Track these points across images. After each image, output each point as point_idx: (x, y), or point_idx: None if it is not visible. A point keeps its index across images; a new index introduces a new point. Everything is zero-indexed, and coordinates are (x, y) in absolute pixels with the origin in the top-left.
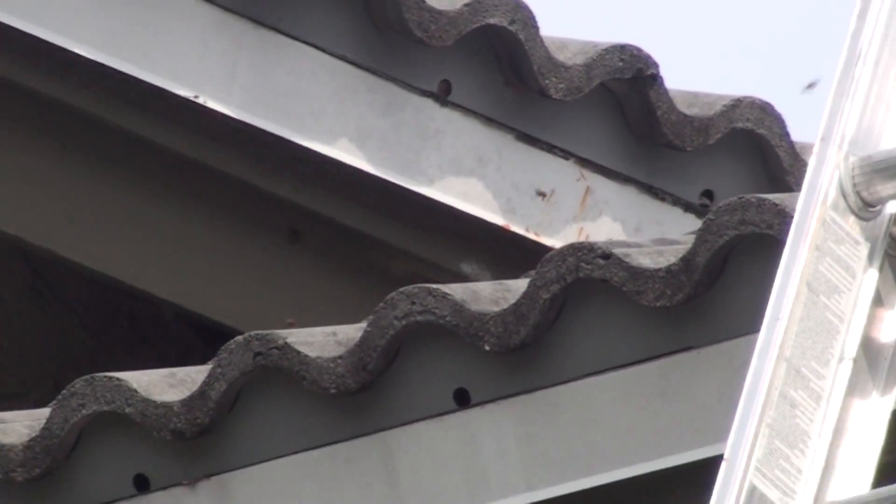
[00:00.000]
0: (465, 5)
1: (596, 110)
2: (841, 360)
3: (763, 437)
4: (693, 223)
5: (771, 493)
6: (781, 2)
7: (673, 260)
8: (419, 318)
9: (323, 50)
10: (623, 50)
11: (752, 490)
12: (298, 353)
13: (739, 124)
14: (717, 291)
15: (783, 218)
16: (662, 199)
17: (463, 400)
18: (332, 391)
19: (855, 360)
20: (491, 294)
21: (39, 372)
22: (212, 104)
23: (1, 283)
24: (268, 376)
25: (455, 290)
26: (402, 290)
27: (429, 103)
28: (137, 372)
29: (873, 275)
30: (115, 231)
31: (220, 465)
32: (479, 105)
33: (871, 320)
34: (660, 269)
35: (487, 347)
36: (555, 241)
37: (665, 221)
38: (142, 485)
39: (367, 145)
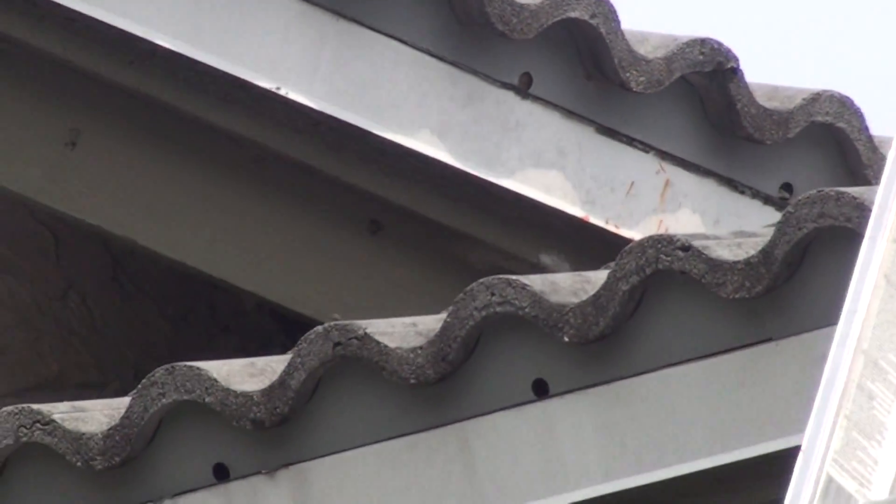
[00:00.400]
0: None
1: (676, 103)
2: None
3: (840, 429)
4: (772, 216)
5: (848, 483)
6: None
7: (752, 252)
8: (499, 309)
9: (405, 42)
10: (703, 44)
11: (830, 481)
12: (378, 343)
13: (819, 118)
14: (796, 284)
15: (862, 211)
16: (742, 192)
17: (541, 391)
18: (412, 381)
19: None
20: (570, 285)
21: (120, 361)
22: (294, 96)
23: (82, 272)
24: (347, 366)
25: (534, 281)
26: (481, 281)
27: (510, 96)
28: (217, 361)
29: None
30: (196, 221)
31: (299, 454)
32: (560, 98)
33: None
34: (739, 262)
35: (566, 338)
36: (634, 234)
37: (744, 214)
38: (221, 474)
39: (448, 137)
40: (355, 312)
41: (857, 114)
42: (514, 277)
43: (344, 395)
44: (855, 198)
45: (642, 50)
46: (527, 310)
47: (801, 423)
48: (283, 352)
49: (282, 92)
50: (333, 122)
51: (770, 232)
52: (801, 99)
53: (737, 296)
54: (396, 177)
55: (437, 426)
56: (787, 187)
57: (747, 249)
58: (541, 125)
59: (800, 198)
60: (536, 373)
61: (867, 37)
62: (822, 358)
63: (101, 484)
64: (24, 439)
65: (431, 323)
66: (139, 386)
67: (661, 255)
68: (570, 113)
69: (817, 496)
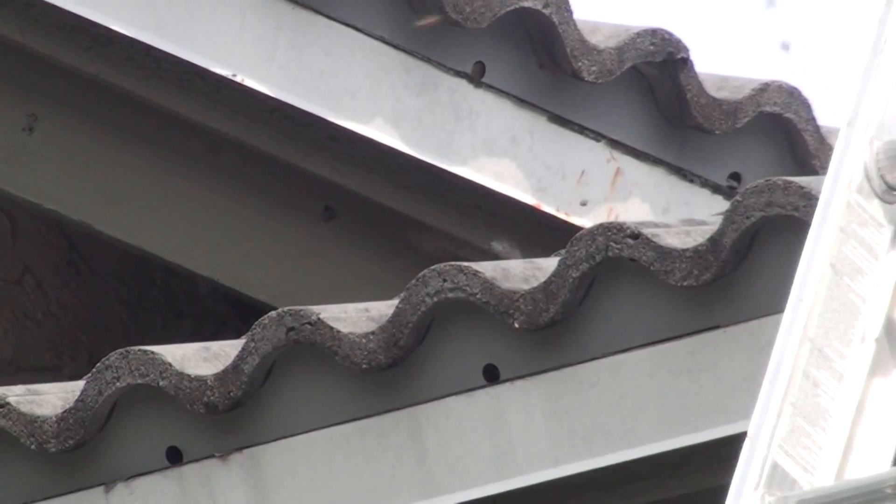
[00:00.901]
0: None
1: (627, 93)
2: (863, 340)
3: (786, 415)
4: (721, 205)
5: (793, 469)
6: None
7: (700, 240)
8: (450, 295)
9: (360, 30)
10: (654, 34)
11: (775, 466)
12: (331, 328)
13: (767, 108)
14: (744, 272)
15: (809, 200)
16: (691, 181)
17: (492, 376)
18: (364, 366)
19: (877, 341)
20: (521, 272)
21: (74, 344)
22: (250, 83)
23: (38, 256)
24: (300, 351)
25: (486, 267)
26: (433, 267)
27: (463, 84)
28: (172, 346)
29: None
30: (152, 206)
31: (252, 438)
32: (513, 86)
33: (894, 301)
34: (687, 250)
35: (517, 325)
36: (585, 221)
37: (693, 203)
38: (174, 457)
39: (402, 125)
40: (309, 298)
41: (805, 104)
42: (465, 264)
43: (297, 380)
44: (802, 187)
45: (594, 40)
46: (478, 296)
47: (747, 410)
48: (237, 336)
49: (238, 79)
50: (289, 109)
51: (718, 220)
52: (750, 89)
53: (685, 283)
54: (351, 164)
55: (388, 411)
56: (736, 176)
57: (696, 238)
58: (493, 113)
59: (748, 187)
60: (487, 358)
61: (815, 27)
62: (769, 345)
63: (55, 467)
64: None
65: (384, 308)
66: (94, 370)
67: (611, 243)
68: (522, 101)
69: (763, 481)
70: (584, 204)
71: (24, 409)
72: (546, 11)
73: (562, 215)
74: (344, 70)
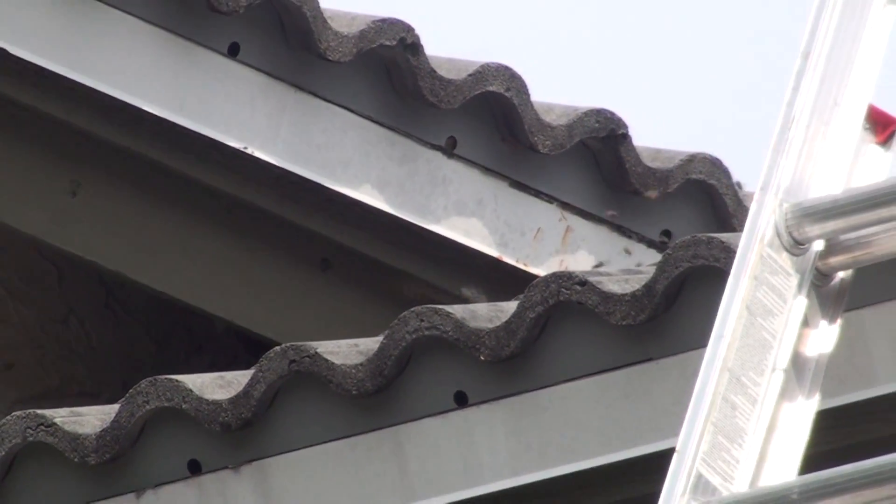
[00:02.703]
0: (469, 75)
1: (576, 163)
2: (774, 370)
3: (708, 434)
4: (654, 257)
5: (714, 479)
6: (730, 74)
7: (637, 287)
8: (427, 332)
9: (351, 111)
10: (599, 113)
11: (699, 477)
12: (326, 360)
13: (693, 176)
14: (674, 313)
15: (728, 253)
16: (629, 237)
17: (462, 401)
18: (354, 392)
19: (785, 371)
20: (486, 313)
21: (110, 374)
22: (259, 154)
23: (80, 300)
24: (301, 379)
25: (457, 310)
26: (412, 309)
27: (438, 156)
28: (193, 375)
29: (802, 301)
30: (177, 258)
31: (260, 452)
32: (480, 157)
33: (800, 338)
34: (626, 294)
35: (483, 357)
36: (540, 271)
37: (631, 255)
38: (195, 468)
39: (387, 190)
40: (308, 335)
41: (726, 172)
42: (439, 307)
43: (298, 404)
44: (723, 242)
45: (548, 118)
46: (450, 333)
47: (676, 429)
48: (248, 367)
49: (249, 151)
50: (292, 176)
51: (652, 270)
52: (679, 160)
53: (624, 323)
54: (344, 223)
55: (374, 430)
56: (667, 233)
57: (633, 284)
58: (463, 180)
59: (677, 242)
60: (457, 386)
61: (735, 104)
62: (694, 374)
63: (95, 477)
64: (31, 439)
65: (371, 344)
66: (127, 395)
67: (562, 289)
68: (487, 170)
69: (689, 490)
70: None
71: (69, 428)
72: (508, 94)
73: (521, 266)
74: (338, 144)
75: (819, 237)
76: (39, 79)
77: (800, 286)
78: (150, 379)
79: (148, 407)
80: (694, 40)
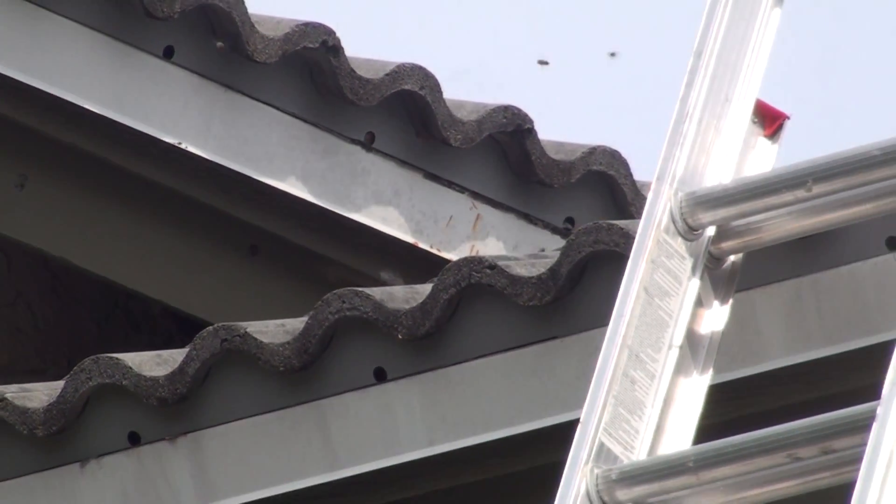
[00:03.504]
0: (386, 75)
1: (485, 155)
2: (670, 347)
3: (610, 406)
4: (559, 242)
5: (615, 448)
6: (631, 71)
7: (543, 270)
8: (348, 313)
9: (277, 108)
10: (506, 110)
11: (601, 446)
12: (255, 339)
13: (594, 167)
14: (577, 294)
15: (627, 238)
16: (535, 224)
17: (381, 377)
18: (281, 369)
19: (681, 348)
20: (403, 295)
21: (56, 353)
22: (192, 149)
23: (27, 284)
24: (231, 357)
25: (375, 292)
26: (335, 291)
27: (357, 150)
28: (132, 353)
29: (695, 283)
30: (116, 245)
31: (194, 425)
32: (396, 151)
33: (694, 317)
34: (532, 277)
35: (400, 336)
36: (452, 255)
37: (537, 241)
38: (134, 440)
39: (310, 181)
40: (238, 316)
41: (624, 164)
42: (360, 289)
43: (229, 380)
44: (622, 228)
45: (459, 114)
46: (370, 314)
47: (579, 402)
48: (182, 346)
49: (183, 146)
50: (223, 169)
51: (556, 255)
52: (581, 152)
53: (531, 303)
54: (271, 212)
55: (300, 403)
56: (570, 220)
57: (539, 268)
58: (381, 172)
59: (579, 228)
60: (377, 363)
61: (634, 97)
62: (597, 351)
63: (43, 448)
64: None
65: (296, 324)
66: (71, 372)
67: (473, 273)
68: (403, 162)
69: (591, 458)
70: None
71: (18, 402)
72: (422, 92)
73: (435, 251)
74: (265, 139)
75: (711, 223)
76: None
77: (694, 269)
78: (92, 357)
79: (91, 383)
80: (599, 39)
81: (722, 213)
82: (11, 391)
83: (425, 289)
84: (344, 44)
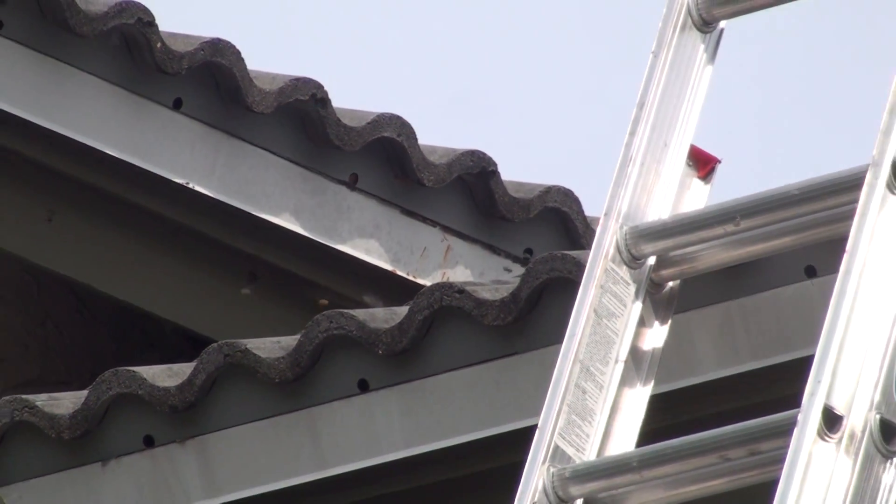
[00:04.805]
0: (368, 123)
1: (454, 194)
2: (617, 362)
3: (564, 413)
4: (519, 270)
5: (569, 450)
6: (585, 116)
7: (505, 294)
8: (335, 332)
9: (273, 153)
10: (473, 154)
11: (556, 448)
12: (254, 354)
13: (550, 204)
14: (535, 315)
15: (579, 267)
16: (498, 254)
17: (364, 387)
18: (276, 380)
19: (626, 362)
20: (383, 316)
21: (80, 366)
22: (198, 188)
23: (55, 307)
24: (233, 370)
25: (359, 313)
26: (324, 313)
27: (343, 189)
28: (146, 367)
29: (639, 305)
30: (133, 272)
31: (201, 429)
32: (377, 190)
33: (637, 335)
34: (496, 300)
35: (381, 352)
36: (426, 281)
37: (500, 269)
38: (149, 442)
39: (302, 216)
40: (239, 334)
41: (577, 201)
42: (345, 311)
43: (231, 390)
44: (574, 258)
45: (432, 158)
46: (354, 332)
47: (537, 410)
48: (191, 360)
49: (190, 185)
50: (225, 206)
51: (517, 281)
52: (539, 191)
53: (494, 323)
54: (267, 243)
55: (293, 410)
56: (529, 251)
57: (502, 293)
58: (364, 208)
59: (537, 258)
60: (360, 375)
61: (588, 141)
62: (552, 365)
63: (69, 449)
64: (17, 418)
65: (290, 341)
66: (94, 383)
67: (444, 296)
68: (383, 200)
69: (548, 459)
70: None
71: (47, 409)
72: (399, 139)
73: (411, 277)
74: (262, 179)
75: (652, 254)
76: (20, 127)
77: (637, 293)
78: (112, 370)
79: (111, 393)
80: (556, 89)
81: (661, 244)
82: (41, 400)
83: (402, 310)
84: (331, 95)
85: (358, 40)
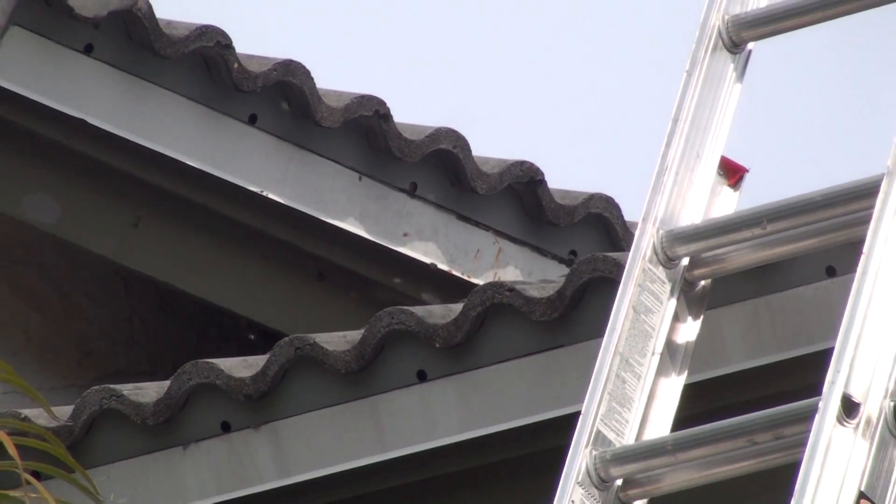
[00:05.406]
0: (426, 136)
1: (505, 201)
2: (653, 354)
3: (605, 401)
4: (564, 270)
5: (610, 434)
6: (624, 126)
7: (552, 292)
8: (396, 326)
9: (340, 163)
10: (522, 164)
11: (598, 433)
12: (322, 347)
13: (593, 210)
14: (579, 312)
15: (619, 267)
16: (545, 255)
17: (422, 377)
18: (343, 371)
19: (662, 355)
20: (440, 312)
21: (163, 358)
22: (272, 196)
23: (141, 304)
24: (303, 362)
25: (418, 309)
26: (385, 310)
27: (403, 196)
28: (224, 359)
29: (673, 302)
30: (212, 272)
31: (274, 415)
32: (434, 197)
33: (672, 330)
34: (543, 298)
35: (438, 345)
36: (479, 281)
37: (547, 269)
38: (226, 428)
39: (366, 221)
40: (308, 329)
41: (617, 207)
42: (405, 308)
43: (301, 380)
44: (615, 259)
45: (485, 168)
46: (413, 327)
47: (581, 398)
48: (264, 353)
49: (264, 193)
50: (296, 212)
51: (562, 280)
52: (582, 198)
53: (542, 319)
54: (334, 245)
55: (357, 399)
56: (574, 252)
57: (549, 291)
58: (422, 214)
59: (581, 259)
60: (419, 366)
61: (630, 148)
62: (595, 357)
63: (153, 434)
64: (106, 406)
65: (355, 335)
66: (175, 374)
67: (496, 294)
68: (440, 206)
69: (591, 442)
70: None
71: (133, 398)
72: (455, 151)
73: (465, 277)
74: (329, 187)
75: (686, 255)
76: (110, 141)
77: (672, 291)
78: (192, 362)
79: (191, 383)
80: (605, 103)
81: (694, 246)
82: (128, 389)
83: (458, 307)
84: (392, 111)
85: (374, 55)
